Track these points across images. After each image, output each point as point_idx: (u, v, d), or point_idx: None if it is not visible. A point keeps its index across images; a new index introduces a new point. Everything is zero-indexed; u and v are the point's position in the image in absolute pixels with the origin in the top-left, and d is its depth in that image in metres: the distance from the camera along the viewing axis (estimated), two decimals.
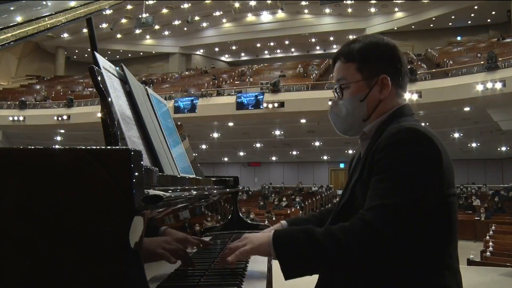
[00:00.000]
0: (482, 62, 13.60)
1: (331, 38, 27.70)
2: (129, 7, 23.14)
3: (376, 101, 1.26)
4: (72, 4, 1.50)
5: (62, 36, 26.37)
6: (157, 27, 25.94)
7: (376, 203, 1.06)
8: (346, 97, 1.29)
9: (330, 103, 1.36)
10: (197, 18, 25.48)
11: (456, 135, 16.81)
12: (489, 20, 24.03)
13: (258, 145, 20.66)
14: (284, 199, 17.02)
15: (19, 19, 1.27)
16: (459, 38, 25.02)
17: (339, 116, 1.32)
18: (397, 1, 23.37)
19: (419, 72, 14.80)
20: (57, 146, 0.74)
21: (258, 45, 29.43)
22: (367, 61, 1.26)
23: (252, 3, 24.53)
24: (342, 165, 24.52)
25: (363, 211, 1.07)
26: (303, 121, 16.37)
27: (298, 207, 15.92)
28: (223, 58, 32.10)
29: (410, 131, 1.11)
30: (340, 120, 1.33)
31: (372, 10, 24.85)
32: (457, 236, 1.19)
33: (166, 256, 0.98)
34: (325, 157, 23.12)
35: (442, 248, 1.12)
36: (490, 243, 8.37)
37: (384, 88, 1.25)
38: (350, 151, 21.45)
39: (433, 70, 15.80)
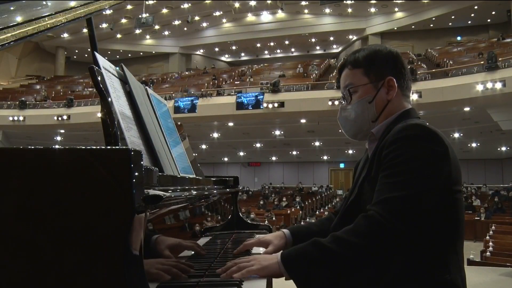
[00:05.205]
0: (482, 62, 13.60)
1: (331, 38, 27.73)
2: (129, 7, 23.13)
3: (384, 102, 1.30)
4: (72, 4, 1.50)
5: (62, 36, 26.35)
6: (157, 27, 25.93)
7: (381, 197, 1.08)
8: (354, 100, 1.33)
9: (339, 111, 1.40)
10: (197, 18, 25.49)
11: (456, 135, 16.79)
12: (489, 20, 24.00)
13: (258, 145, 20.65)
14: (284, 199, 17.04)
15: (19, 19, 1.27)
16: (459, 38, 25.00)
17: (349, 120, 1.35)
18: (397, 1, 23.35)
19: (419, 72, 14.79)
20: (57, 146, 0.74)
21: (258, 45, 29.43)
22: (373, 65, 1.32)
23: (252, 3, 24.52)
24: (342, 165, 24.52)
25: (368, 207, 1.09)
26: (303, 121, 16.37)
27: (298, 207, 15.93)
28: (223, 58, 32.09)
29: (416, 126, 1.15)
30: (349, 124, 1.36)
31: (372, 10, 24.84)
32: (464, 234, 1.19)
33: (160, 275, 0.98)
34: (325, 157, 23.11)
35: (449, 244, 1.13)
36: (490, 243, 8.38)
37: (391, 90, 1.30)
38: (350, 151, 21.43)
39: (433, 70, 15.79)
